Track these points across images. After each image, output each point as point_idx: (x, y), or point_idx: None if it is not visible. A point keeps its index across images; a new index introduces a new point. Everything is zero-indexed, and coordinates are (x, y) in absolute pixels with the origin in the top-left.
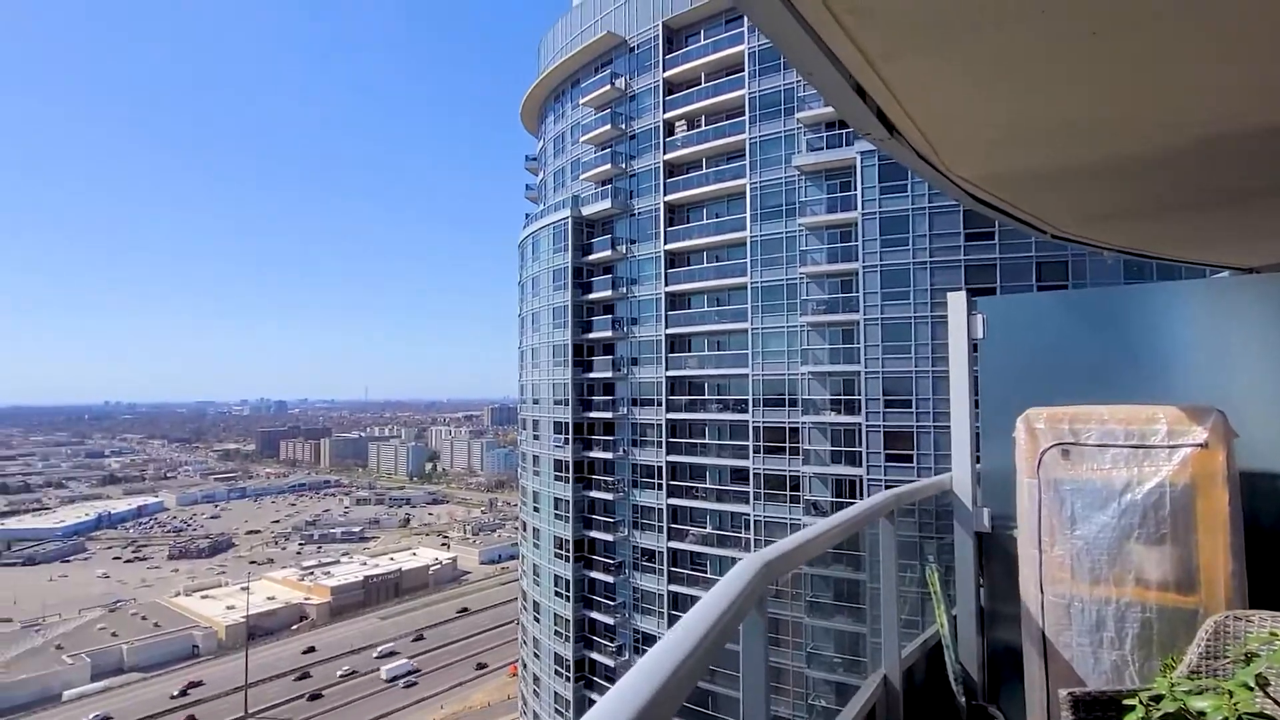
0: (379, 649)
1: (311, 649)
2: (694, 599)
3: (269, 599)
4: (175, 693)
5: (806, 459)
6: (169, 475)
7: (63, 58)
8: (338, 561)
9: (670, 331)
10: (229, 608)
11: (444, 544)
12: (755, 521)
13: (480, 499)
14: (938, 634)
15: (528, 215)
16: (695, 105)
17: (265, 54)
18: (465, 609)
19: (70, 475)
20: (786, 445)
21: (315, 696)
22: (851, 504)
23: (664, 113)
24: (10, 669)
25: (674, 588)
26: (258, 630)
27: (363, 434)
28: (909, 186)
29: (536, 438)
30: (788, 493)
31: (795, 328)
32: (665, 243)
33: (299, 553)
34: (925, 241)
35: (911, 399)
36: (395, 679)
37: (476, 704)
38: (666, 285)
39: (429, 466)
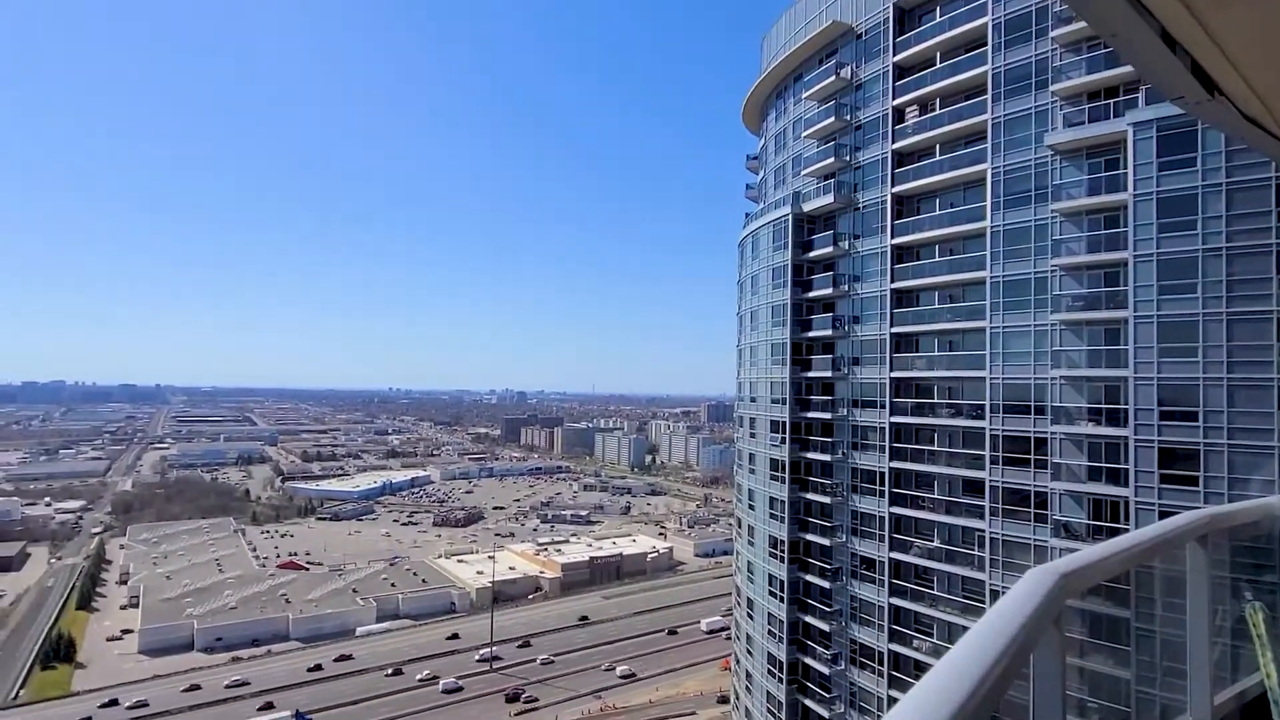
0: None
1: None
2: (919, 615)
3: (510, 569)
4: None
5: (1056, 474)
6: (434, 453)
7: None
8: (567, 541)
9: (896, 330)
10: (479, 572)
11: (661, 534)
12: (991, 539)
13: (696, 493)
14: (1261, 685)
15: (747, 214)
16: (929, 88)
17: (496, 79)
18: (585, 617)
19: (363, 449)
20: (1031, 457)
21: (672, 632)
22: (1117, 529)
23: (893, 99)
24: (320, 604)
25: (896, 601)
26: (501, 595)
27: (590, 425)
28: (1199, 160)
29: (753, 436)
30: (1032, 510)
31: (1044, 326)
32: (892, 236)
33: (535, 530)
34: (1220, 224)
35: (1198, 410)
36: (714, 632)
37: (688, 691)
38: (892, 281)
39: (648, 458)
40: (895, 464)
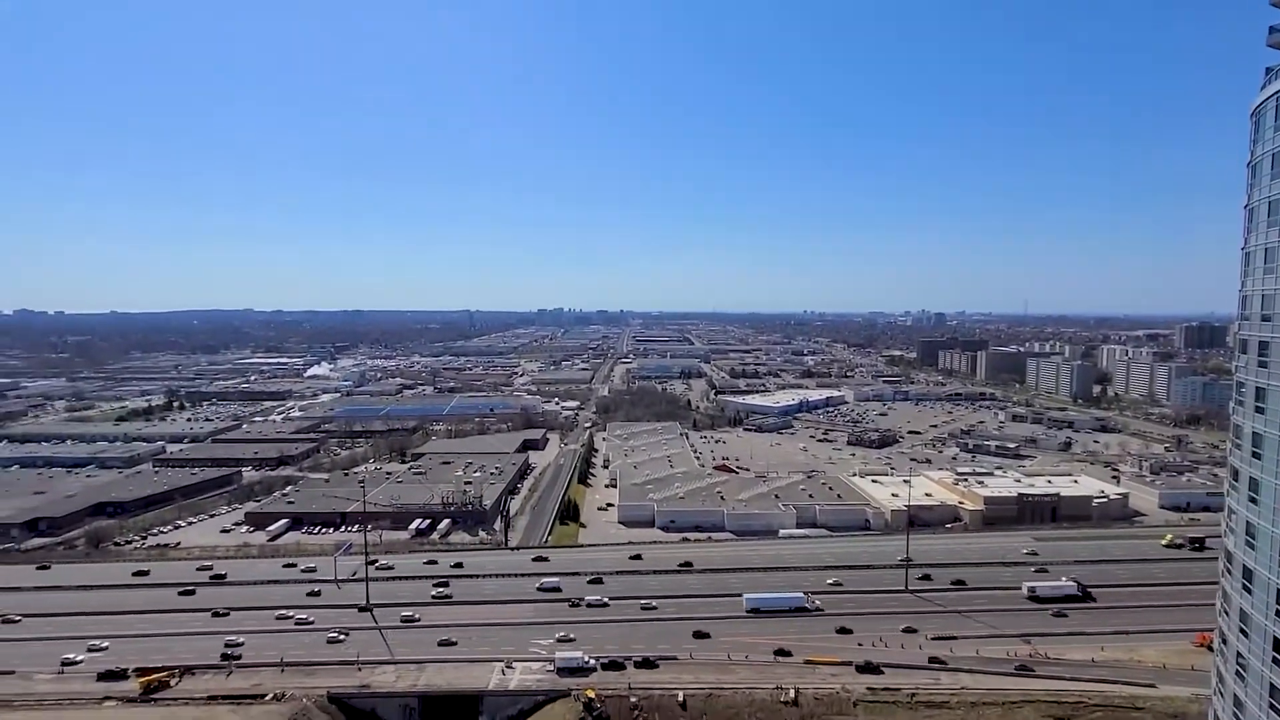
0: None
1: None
2: None
3: (926, 495)
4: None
5: None
6: (848, 374)
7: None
8: (990, 473)
9: None
10: (893, 494)
11: (1113, 477)
12: None
13: (1163, 433)
14: None
15: (1268, 69)
16: None
17: None
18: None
19: (781, 368)
20: None
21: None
22: None
23: None
24: (748, 504)
25: None
26: (916, 520)
27: (1020, 349)
28: None
29: (1263, 365)
30: None
31: None
32: None
33: (954, 458)
34: None
35: None
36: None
37: (1145, 659)
38: None
39: (1096, 389)
40: None
